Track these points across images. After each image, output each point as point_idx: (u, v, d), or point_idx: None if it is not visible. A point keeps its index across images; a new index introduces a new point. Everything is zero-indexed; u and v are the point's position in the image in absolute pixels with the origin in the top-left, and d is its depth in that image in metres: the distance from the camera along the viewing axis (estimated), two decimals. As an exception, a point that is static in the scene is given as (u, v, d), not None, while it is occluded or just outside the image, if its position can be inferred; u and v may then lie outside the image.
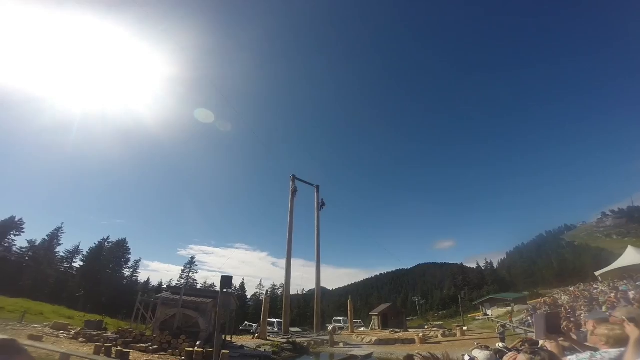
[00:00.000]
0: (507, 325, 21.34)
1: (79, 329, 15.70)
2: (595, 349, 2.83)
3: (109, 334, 15.21)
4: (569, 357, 2.85)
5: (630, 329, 2.37)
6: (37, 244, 54.44)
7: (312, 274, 35.16)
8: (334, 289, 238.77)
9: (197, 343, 13.88)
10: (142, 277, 71.96)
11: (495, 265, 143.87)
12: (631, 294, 13.35)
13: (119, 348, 12.01)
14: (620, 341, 2.46)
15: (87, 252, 59.64)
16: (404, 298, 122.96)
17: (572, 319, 12.51)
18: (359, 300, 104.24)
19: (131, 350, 12.28)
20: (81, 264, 58.44)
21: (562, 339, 3.46)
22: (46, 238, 56.22)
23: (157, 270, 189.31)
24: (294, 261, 33.86)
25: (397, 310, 37.01)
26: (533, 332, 14.28)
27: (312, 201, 39.28)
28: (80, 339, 13.95)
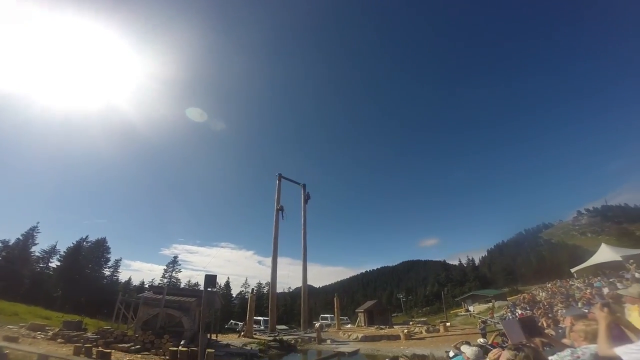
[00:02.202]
0: (488, 321, 22.04)
1: (57, 329, 15.22)
2: (574, 346, 2.91)
3: (88, 334, 14.83)
4: (550, 357, 2.87)
5: (603, 314, 2.46)
6: (10, 243, 51.92)
7: (299, 272, 35.35)
8: (320, 286, 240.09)
9: (182, 342, 13.69)
10: (123, 276, 70.27)
11: (477, 262, 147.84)
12: (605, 290, 13.99)
13: (100, 348, 11.72)
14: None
15: (64, 251, 57.56)
16: (389, 295, 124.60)
17: (549, 315, 13.06)
18: (346, 298, 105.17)
19: (113, 351, 11.99)
20: (58, 263, 56.31)
21: (540, 337, 3.56)
22: (20, 238, 53.74)
23: (139, 270, 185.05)
24: (280, 260, 33.97)
25: (383, 307, 37.53)
26: (506, 330, 14.92)
27: (298, 200, 39.53)
28: (59, 340, 13.55)
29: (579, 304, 13.56)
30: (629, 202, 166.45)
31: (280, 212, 34.27)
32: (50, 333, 14.38)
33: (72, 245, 58.76)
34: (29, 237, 54.40)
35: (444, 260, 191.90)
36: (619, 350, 2.16)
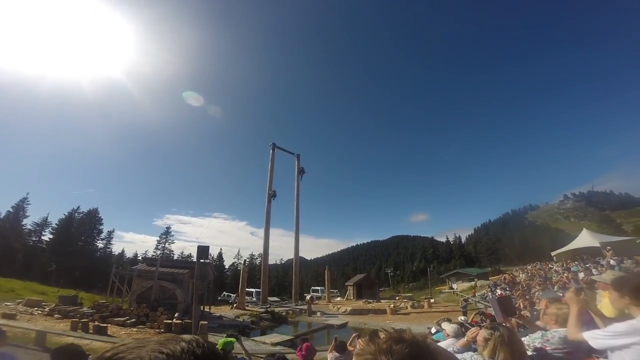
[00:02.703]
0: (469, 300, 23.32)
1: (54, 305, 15.29)
2: (546, 329, 2.97)
3: (84, 309, 14.90)
4: (522, 338, 2.91)
5: (575, 299, 2.47)
6: (1, 216, 51.25)
7: (291, 244, 35.72)
8: (312, 258, 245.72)
9: (175, 315, 13.81)
10: (116, 248, 70.54)
11: (463, 240, 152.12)
12: (580, 275, 14.77)
13: (96, 323, 11.90)
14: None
15: (56, 223, 56.95)
16: (377, 269, 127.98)
17: (527, 297, 13.81)
18: (336, 271, 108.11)
19: (108, 325, 12.16)
20: (50, 236, 55.87)
21: (516, 318, 3.73)
22: (11, 210, 52.78)
23: (132, 242, 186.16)
24: (273, 231, 34.55)
25: (371, 281, 38.29)
26: (492, 307, 15.73)
27: (292, 170, 39.16)
28: (56, 315, 13.60)
29: (555, 288, 14.23)
30: (614, 189, 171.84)
31: (272, 197, 34.26)
32: (47, 309, 14.40)
33: (63, 216, 58.15)
34: (20, 209, 53.59)
35: (432, 237, 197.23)
36: (586, 335, 2.23)
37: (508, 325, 3.16)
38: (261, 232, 34.92)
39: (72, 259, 51.32)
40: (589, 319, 2.50)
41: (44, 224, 57.03)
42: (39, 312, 14.08)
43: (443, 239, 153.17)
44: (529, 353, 2.76)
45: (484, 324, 4.79)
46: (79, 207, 61.40)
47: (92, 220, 61.27)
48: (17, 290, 21.05)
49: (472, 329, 3.99)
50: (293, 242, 35.50)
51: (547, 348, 2.74)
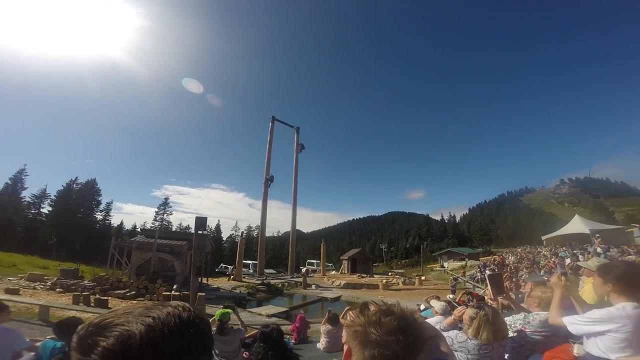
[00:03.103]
0: (459, 279, 24.15)
1: (55, 278, 15.36)
2: (529, 311, 3.07)
3: (85, 282, 15.03)
4: (505, 318, 3.04)
5: (559, 283, 2.46)
6: None
7: (289, 216, 36.18)
8: (309, 231, 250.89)
9: (174, 287, 13.82)
10: (115, 220, 70.65)
11: (458, 219, 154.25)
12: (567, 261, 15.07)
13: (97, 296, 12.05)
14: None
15: (55, 195, 56.52)
16: (372, 244, 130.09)
17: (514, 279, 14.31)
18: (332, 244, 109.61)
19: (109, 298, 12.32)
20: (50, 208, 55.64)
21: (502, 298, 3.72)
22: (9, 182, 52.00)
23: (131, 213, 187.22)
24: (270, 203, 34.88)
25: (365, 256, 38.58)
26: (480, 287, 16.25)
27: (291, 143, 38.86)
28: (58, 289, 13.70)
29: (542, 272, 14.67)
30: (611, 177, 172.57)
31: (269, 182, 33.94)
32: (49, 283, 14.48)
33: (62, 188, 57.66)
34: (18, 181, 52.96)
35: (427, 215, 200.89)
36: (565, 320, 2.26)
37: (494, 305, 3.29)
38: (259, 203, 35.18)
39: (71, 232, 51.42)
40: (569, 304, 2.54)
41: (42, 196, 56.62)
42: (42, 286, 14.13)
43: (438, 217, 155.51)
44: (510, 334, 2.89)
45: (471, 303, 4.78)
46: (77, 178, 60.93)
47: (90, 191, 60.84)
48: (19, 265, 21.11)
49: (459, 308, 4.09)
50: (290, 214, 35.91)
51: (527, 330, 2.86)
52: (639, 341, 2.05)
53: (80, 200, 58.76)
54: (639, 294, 2.07)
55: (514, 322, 3.00)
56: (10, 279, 14.90)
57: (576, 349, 2.37)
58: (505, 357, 2.83)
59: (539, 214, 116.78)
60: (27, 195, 54.90)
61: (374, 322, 0.84)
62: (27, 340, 3.05)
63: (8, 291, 11.41)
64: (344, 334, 0.94)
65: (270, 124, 35.97)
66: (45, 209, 56.61)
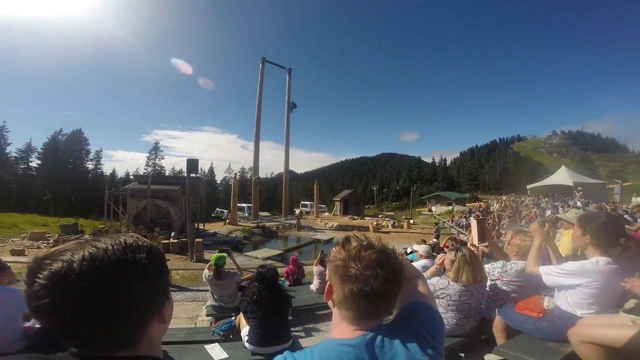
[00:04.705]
0: (445, 223, 25.38)
1: (57, 235, 15.15)
2: (508, 259, 3.11)
3: (86, 236, 14.42)
4: (485, 265, 3.16)
5: (540, 230, 2.47)
6: None
7: (282, 157, 35.34)
8: (302, 172, 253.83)
9: (172, 234, 13.66)
10: (107, 169, 69.79)
11: (449, 162, 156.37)
12: (547, 213, 15.56)
13: None
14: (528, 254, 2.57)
15: (41, 148, 54.86)
16: (364, 186, 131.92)
17: (496, 227, 14.98)
18: (325, 185, 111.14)
19: None
20: (38, 162, 54.63)
21: (485, 244, 3.82)
22: None
23: (123, 160, 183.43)
24: (263, 144, 34.24)
25: (357, 198, 38.53)
26: (464, 234, 17.23)
27: (283, 85, 36.26)
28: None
29: (523, 222, 14.99)
30: (603, 133, 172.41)
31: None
32: (52, 240, 14.36)
33: (47, 140, 55.97)
34: (0, 137, 51.18)
35: (419, 157, 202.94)
36: (542, 269, 2.28)
37: (474, 249, 3.39)
38: (251, 145, 34.29)
39: (64, 184, 50.94)
40: (546, 256, 2.56)
41: (29, 150, 55.38)
42: (45, 244, 13.96)
43: (430, 160, 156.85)
44: (488, 282, 3.05)
45: (451, 246, 5.02)
46: (61, 129, 58.89)
47: (77, 141, 59.28)
48: (20, 225, 20.78)
49: (439, 255, 4.20)
50: (283, 155, 35.22)
51: (504, 279, 2.98)
52: (606, 298, 2.14)
53: (68, 151, 57.47)
54: (613, 248, 2.09)
55: (492, 270, 3.09)
56: (14, 239, 14.66)
57: (546, 302, 2.47)
58: (482, 306, 3.00)
59: (527, 163, 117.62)
60: (12, 150, 53.57)
61: (354, 256, 0.85)
62: None
63: (14, 252, 11.33)
64: (327, 271, 0.95)
65: (261, 65, 33.83)
66: (34, 162, 55.77)
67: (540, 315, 2.47)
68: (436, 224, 22.90)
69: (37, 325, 2.62)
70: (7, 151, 52.35)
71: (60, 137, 58.25)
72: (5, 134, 52.17)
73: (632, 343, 1.85)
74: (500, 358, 2.50)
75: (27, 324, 2.72)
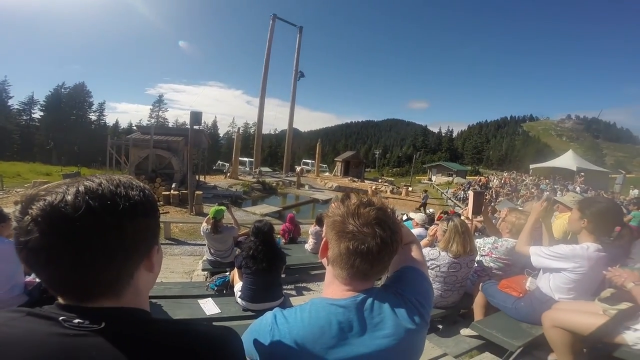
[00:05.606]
0: (443, 194, 25.44)
1: None
2: (500, 236, 3.13)
3: None
4: (477, 240, 3.18)
5: (538, 208, 2.43)
6: None
7: (286, 114, 34.86)
8: (306, 131, 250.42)
9: (173, 185, 13.72)
10: (110, 120, 69.76)
11: (455, 134, 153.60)
12: (545, 195, 15.76)
13: None
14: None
15: (44, 101, 54.82)
16: (367, 149, 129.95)
17: (492, 204, 15.10)
18: (328, 145, 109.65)
19: None
20: (41, 114, 54.66)
21: (479, 219, 3.94)
22: None
23: (126, 112, 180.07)
24: (269, 100, 33.19)
25: (359, 160, 38.03)
26: (460, 207, 17.43)
27: (293, 43, 34.60)
28: None
29: (520, 202, 15.07)
30: (618, 122, 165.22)
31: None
32: None
33: (50, 93, 55.89)
34: (2, 91, 51.02)
35: (426, 126, 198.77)
36: (532, 249, 2.26)
37: (466, 222, 3.32)
38: (256, 101, 33.23)
39: (67, 135, 51.27)
40: (537, 236, 2.53)
41: (31, 102, 55.44)
42: None
43: (436, 130, 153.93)
44: (478, 257, 3.09)
45: (444, 217, 4.99)
46: (64, 83, 58.66)
47: (80, 93, 59.25)
48: (23, 174, 20.66)
49: (432, 226, 4.10)
50: (288, 112, 34.61)
51: (493, 255, 3.04)
52: (586, 285, 2.19)
53: (71, 103, 57.61)
54: (607, 236, 2.05)
55: (484, 245, 3.11)
56: (18, 190, 14.48)
57: (529, 282, 2.51)
58: (468, 281, 3.08)
59: (534, 142, 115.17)
60: (14, 103, 53.62)
61: (352, 212, 0.83)
62: None
63: (17, 203, 11.47)
64: (324, 227, 0.93)
65: (271, 22, 31.70)
66: (37, 114, 55.92)
67: (521, 295, 2.51)
68: (425, 191, 22.99)
69: (37, 280, 2.54)
70: (9, 104, 52.87)
71: (63, 90, 58.44)
72: (7, 87, 52.52)
73: (598, 332, 1.88)
74: (475, 333, 2.61)
75: (28, 279, 2.67)
